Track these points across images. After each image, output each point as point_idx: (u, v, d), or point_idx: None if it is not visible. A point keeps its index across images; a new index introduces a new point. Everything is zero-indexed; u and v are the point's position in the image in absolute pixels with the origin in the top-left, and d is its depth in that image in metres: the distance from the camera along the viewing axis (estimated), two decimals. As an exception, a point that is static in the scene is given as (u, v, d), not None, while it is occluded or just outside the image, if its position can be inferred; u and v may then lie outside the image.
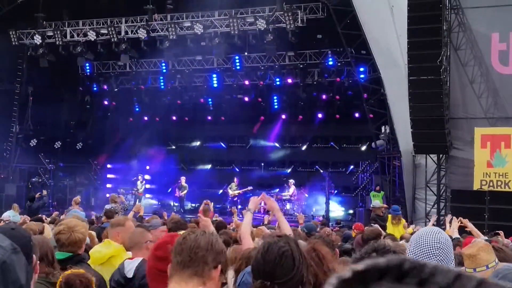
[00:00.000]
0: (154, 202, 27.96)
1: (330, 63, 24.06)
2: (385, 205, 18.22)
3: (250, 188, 25.72)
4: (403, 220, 14.58)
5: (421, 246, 2.86)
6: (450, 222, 10.90)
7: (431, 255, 2.86)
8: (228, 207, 25.62)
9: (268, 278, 2.67)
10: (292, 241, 2.87)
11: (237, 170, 29.35)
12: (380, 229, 9.04)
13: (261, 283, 2.67)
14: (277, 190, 26.00)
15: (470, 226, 10.05)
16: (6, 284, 1.41)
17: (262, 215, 18.63)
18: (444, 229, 12.69)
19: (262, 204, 5.99)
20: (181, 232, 5.70)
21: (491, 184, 17.83)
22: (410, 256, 2.82)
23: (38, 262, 3.31)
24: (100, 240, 6.53)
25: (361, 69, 22.40)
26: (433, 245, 2.87)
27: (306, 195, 25.58)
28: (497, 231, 11.23)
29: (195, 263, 2.44)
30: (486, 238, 8.73)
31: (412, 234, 13.26)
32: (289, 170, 28.83)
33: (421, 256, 2.81)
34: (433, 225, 14.40)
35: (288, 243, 2.81)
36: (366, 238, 8.03)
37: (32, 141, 26.69)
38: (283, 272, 2.69)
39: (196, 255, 2.46)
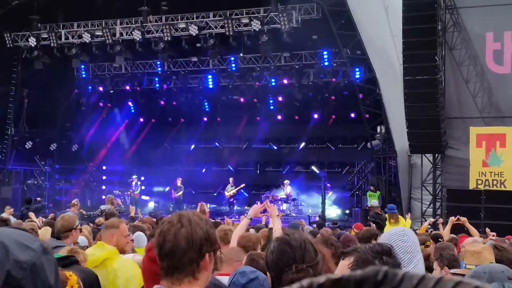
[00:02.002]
0: (150, 203, 27.90)
1: (326, 63, 24.07)
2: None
3: (243, 185, 25.76)
4: (402, 218, 14.51)
5: (392, 241, 2.95)
6: (443, 224, 11.03)
7: (400, 248, 2.98)
8: (224, 208, 25.72)
9: (291, 265, 2.66)
10: (304, 233, 2.90)
11: (233, 170, 29.34)
12: (375, 229, 9.04)
13: (296, 268, 2.64)
14: (273, 190, 26.04)
15: (468, 225, 10.16)
16: (36, 285, 1.43)
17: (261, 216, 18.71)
18: (437, 229, 12.74)
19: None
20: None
21: (486, 183, 17.87)
22: None
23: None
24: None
25: (357, 70, 22.41)
26: (401, 239, 2.98)
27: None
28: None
29: (182, 267, 2.40)
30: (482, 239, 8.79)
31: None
32: (285, 171, 28.84)
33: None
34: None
35: (303, 234, 2.85)
36: (361, 237, 8.04)
37: (27, 143, 26.63)
38: (311, 256, 2.70)
39: (180, 261, 2.39)
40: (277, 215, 5.97)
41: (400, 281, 0.83)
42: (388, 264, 2.56)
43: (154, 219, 11.82)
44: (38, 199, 19.93)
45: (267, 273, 2.83)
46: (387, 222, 14.05)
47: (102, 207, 13.73)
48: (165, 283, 2.44)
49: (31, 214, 12.08)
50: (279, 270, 2.72)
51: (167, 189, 27.93)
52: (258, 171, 29.48)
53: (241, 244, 5.25)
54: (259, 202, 6.30)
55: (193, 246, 2.40)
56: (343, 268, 2.64)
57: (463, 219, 10.26)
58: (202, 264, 2.44)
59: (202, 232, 2.44)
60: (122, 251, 5.23)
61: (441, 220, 13.85)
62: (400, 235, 2.96)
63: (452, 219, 10.42)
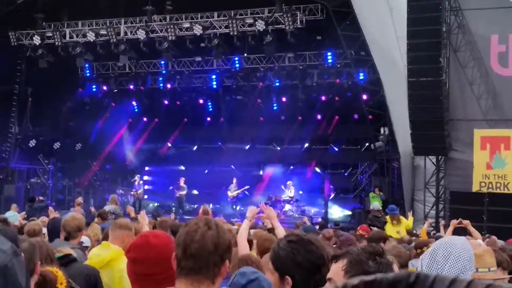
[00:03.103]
0: (153, 203, 27.92)
1: (330, 64, 24.05)
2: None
3: (247, 187, 25.76)
4: (403, 218, 14.46)
5: (466, 247, 2.92)
6: (445, 226, 10.93)
7: (470, 255, 2.93)
8: (227, 208, 25.71)
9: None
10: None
11: (236, 171, 29.31)
12: (384, 233, 9.04)
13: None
14: (276, 191, 26.02)
15: (471, 228, 10.09)
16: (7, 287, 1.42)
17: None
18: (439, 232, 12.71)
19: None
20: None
21: (490, 186, 17.84)
22: (436, 260, 2.89)
23: (39, 263, 3.30)
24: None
25: (361, 71, 22.38)
26: (469, 247, 2.97)
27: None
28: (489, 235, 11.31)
29: (206, 268, 2.41)
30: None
31: (409, 230, 13.28)
32: (288, 171, 28.80)
33: (449, 262, 2.85)
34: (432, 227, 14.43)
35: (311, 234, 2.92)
36: (370, 239, 8.08)
37: (31, 142, 26.63)
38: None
39: (206, 262, 2.41)
40: (275, 217, 5.97)
41: (432, 283, 0.84)
42: (382, 264, 2.57)
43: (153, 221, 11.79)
44: (41, 198, 19.95)
45: (285, 277, 2.79)
46: (389, 223, 14.02)
47: (107, 207, 13.63)
48: (183, 283, 2.43)
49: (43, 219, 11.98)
50: (307, 271, 2.73)
51: (170, 188, 27.92)
52: (261, 172, 29.44)
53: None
54: (262, 203, 6.26)
55: (218, 250, 2.44)
56: (336, 270, 2.63)
57: (466, 222, 10.14)
58: (222, 269, 2.47)
59: (226, 238, 2.50)
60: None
61: (443, 222, 13.80)
62: (468, 243, 2.96)
63: (454, 222, 10.30)
